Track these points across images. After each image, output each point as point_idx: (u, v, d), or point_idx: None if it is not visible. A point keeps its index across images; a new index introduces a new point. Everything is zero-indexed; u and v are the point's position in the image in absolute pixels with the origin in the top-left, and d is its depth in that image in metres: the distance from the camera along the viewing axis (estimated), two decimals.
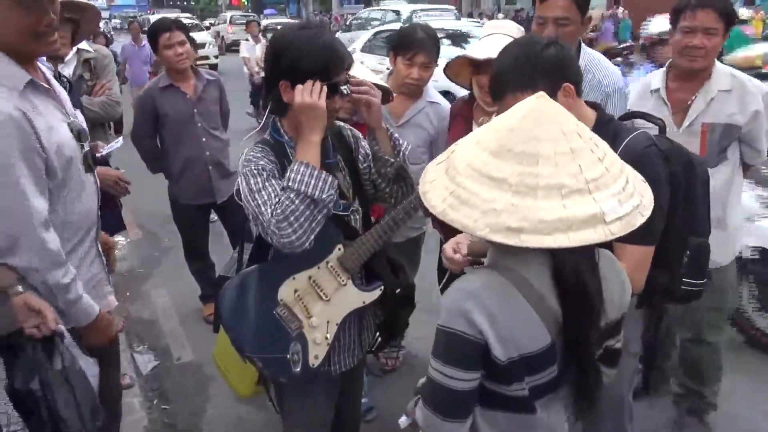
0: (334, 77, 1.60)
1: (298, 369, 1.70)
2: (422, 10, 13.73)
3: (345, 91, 1.64)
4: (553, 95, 1.46)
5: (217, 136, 3.51)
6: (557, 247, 0.99)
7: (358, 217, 1.80)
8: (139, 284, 4.35)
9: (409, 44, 2.43)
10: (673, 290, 1.69)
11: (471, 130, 2.33)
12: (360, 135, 1.87)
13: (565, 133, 1.04)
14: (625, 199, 1.04)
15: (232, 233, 3.73)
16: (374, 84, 2.10)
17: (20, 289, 1.54)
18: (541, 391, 1.18)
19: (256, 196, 1.57)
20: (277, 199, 1.54)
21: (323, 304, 1.71)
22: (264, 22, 22.37)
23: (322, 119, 1.59)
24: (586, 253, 1.12)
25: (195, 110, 3.40)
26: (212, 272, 3.77)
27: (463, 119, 2.40)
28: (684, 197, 1.64)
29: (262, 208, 1.54)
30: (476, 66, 2.26)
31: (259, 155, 1.64)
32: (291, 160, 1.65)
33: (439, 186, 1.10)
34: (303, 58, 1.57)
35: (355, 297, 1.75)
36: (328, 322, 1.72)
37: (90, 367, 1.65)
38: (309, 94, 1.56)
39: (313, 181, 1.55)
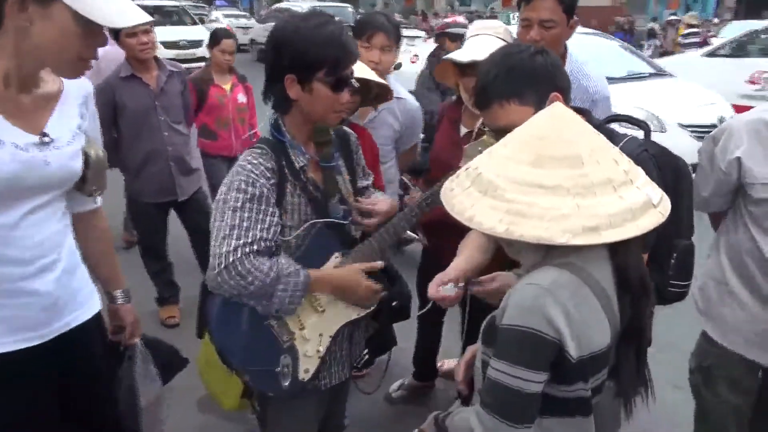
0: (342, 71, 1.51)
1: (288, 383, 1.61)
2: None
3: (354, 85, 1.56)
4: (541, 104, 1.46)
5: (179, 130, 3.35)
6: (631, 237, 1.02)
7: None
8: None
9: (366, 26, 2.34)
10: (662, 292, 1.72)
11: (458, 132, 2.30)
12: (358, 142, 1.81)
13: (588, 132, 1.08)
14: (652, 185, 1.10)
15: (193, 233, 3.57)
16: (373, 81, 2.04)
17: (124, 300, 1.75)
18: (596, 392, 1.16)
19: (233, 214, 1.46)
20: (254, 246, 1.46)
21: (317, 315, 1.63)
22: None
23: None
24: (639, 249, 1.16)
25: (157, 103, 3.22)
26: (170, 273, 3.60)
27: (450, 122, 2.35)
28: (672, 200, 1.66)
29: (232, 232, 1.45)
30: (462, 68, 2.22)
31: (256, 162, 1.52)
32: (292, 161, 1.57)
33: (485, 208, 1.06)
34: (309, 49, 1.47)
35: (350, 308, 1.68)
36: (321, 334, 1.64)
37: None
38: (371, 292, 1.61)
39: (288, 298, 1.51)
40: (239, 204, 1.47)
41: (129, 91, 3.15)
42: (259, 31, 17.10)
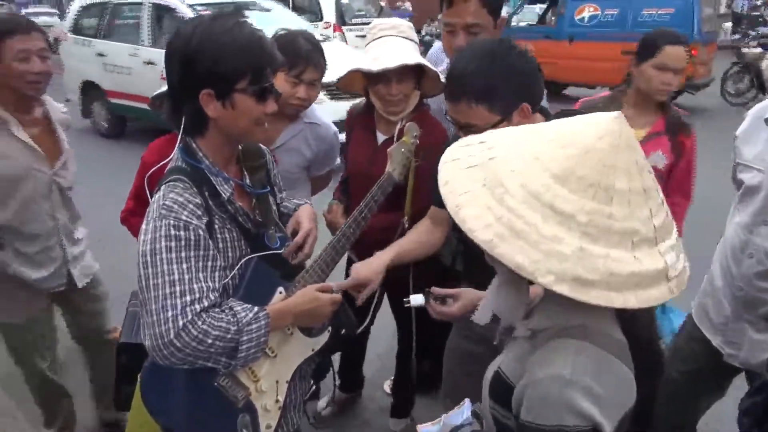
0: (268, 78, 1.31)
1: None
2: None
3: (278, 93, 1.37)
4: (508, 113, 1.40)
5: None
6: (623, 308, 0.86)
7: None
8: None
9: (296, 58, 2.03)
10: None
11: (376, 140, 2.16)
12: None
13: (640, 167, 0.88)
14: (679, 250, 0.92)
15: None
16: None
17: None
18: None
19: (169, 267, 1.22)
20: (203, 301, 1.23)
21: (270, 361, 1.43)
22: None
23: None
24: (650, 311, 1.03)
25: None
26: None
27: (364, 130, 2.19)
28: None
29: (174, 289, 1.20)
30: (371, 77, 2.05)
31: (182, 199, 1.27)
32: (216, 192, 1.34)
33: (479, 204, 0.88)
34: (227, 57, 1.24)
35: (304, 345, 1.50)
36: (277, 381, 1.45)
37: None
38: (334, 304, 1.46)
39: (254, 348, 1.31)
40: (174, 254, 1.22)
41: None
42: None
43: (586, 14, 10.16)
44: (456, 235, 2.07)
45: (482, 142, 0.96)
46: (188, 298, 1.21)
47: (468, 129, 1.42)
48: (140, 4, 7.42)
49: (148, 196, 1.38)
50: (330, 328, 1.54)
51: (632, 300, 0.85)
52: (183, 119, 1.33)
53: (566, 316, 0.97)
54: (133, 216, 2.10)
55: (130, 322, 1.57)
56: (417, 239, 1.79)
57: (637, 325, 1.01)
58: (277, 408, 1.45)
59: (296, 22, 7.21)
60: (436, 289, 1.54)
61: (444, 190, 0.92)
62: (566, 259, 0.83)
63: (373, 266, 1.65)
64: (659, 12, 9.38)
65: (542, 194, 0.86)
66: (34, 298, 2.19)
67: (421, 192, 1.92)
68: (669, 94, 2.23)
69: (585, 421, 0.90)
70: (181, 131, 1.34)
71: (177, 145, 1.37)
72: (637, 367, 0.98)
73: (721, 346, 1.83)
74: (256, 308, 1.33)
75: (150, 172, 1.50)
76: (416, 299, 1.53)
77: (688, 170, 2.27)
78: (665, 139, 2.24)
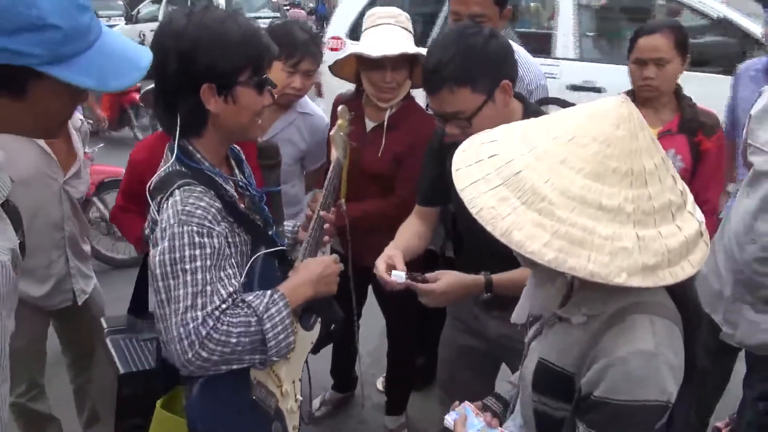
0: (266, 69, 1.31)
1: None
2: None
3: (273, 84, 1.36)
4: (491, 92, 1.44)
5: None
6: (686, 277, 0.87)
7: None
8: None
9: (292, 48, 2.04)
10: None
11: (365, 127, 2.17)
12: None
13: (655, 141, 0.90)
14: (696, 206, 0.96)
15: None
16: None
17: None
18: None
19: (192, 277, 1.18)
20: (223, 305, 1.20)
21: (287, 363, 1.47)
22: None
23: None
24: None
25: None
26: None
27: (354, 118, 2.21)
28: None
29: (196, 301, 1.17)
30: (366, 63, 2.09)
31: (204, 203, 1.22)
32: (221, 194, 1.29)
33: (526, 223, 0.86)
34: (231, 49, 1.21)
35: (305, 340, 1.52)
36: (294, 381, 1.50)
37: None
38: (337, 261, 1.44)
39: (282, 334, 1.26)
40: (198, 263, 1.18)
41: None
42: None
43: None
44: (444, 227, 2.09)
45: (493, 156, 0.94)
46: (209, 309, 1.18)
47: (454, 118, 1.45)
48: None
49: (150, 200, 1.33)
50: (320, 321, 1.54)
51: (688, 268, 0.88)
52: (178, 119, 1.26)
53: (622, 296, 0.98)
54: (122, 212, 2.05)
55: (120, 351, 1.49)
56: (412, 235, 1.78)
57: (687, 296, 1.03)
58: (297, 407, 1.50)
59: None
60: (415, 274, 1.57)
61: (482, 219, 0.89)
62: (631, 252, 0.84)
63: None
64: None
65: (585, 196, 0.86)
66: (36, 316, 2.09)
67: (409, 180, 1.98)
68: (654, 90, 1.99)
69: (665, 396, 0.94)
70: (177, 133, 1.27)
71: (175, 147, 1.29)
72: (690, 331, 1.01)
73: (721, 323, 1.87)
74: (268, 292, 1.29)
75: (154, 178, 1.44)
76: (398, 275, 1.52)
77: (711, 178, 1.99)
78: (681, 138, 2.01)
